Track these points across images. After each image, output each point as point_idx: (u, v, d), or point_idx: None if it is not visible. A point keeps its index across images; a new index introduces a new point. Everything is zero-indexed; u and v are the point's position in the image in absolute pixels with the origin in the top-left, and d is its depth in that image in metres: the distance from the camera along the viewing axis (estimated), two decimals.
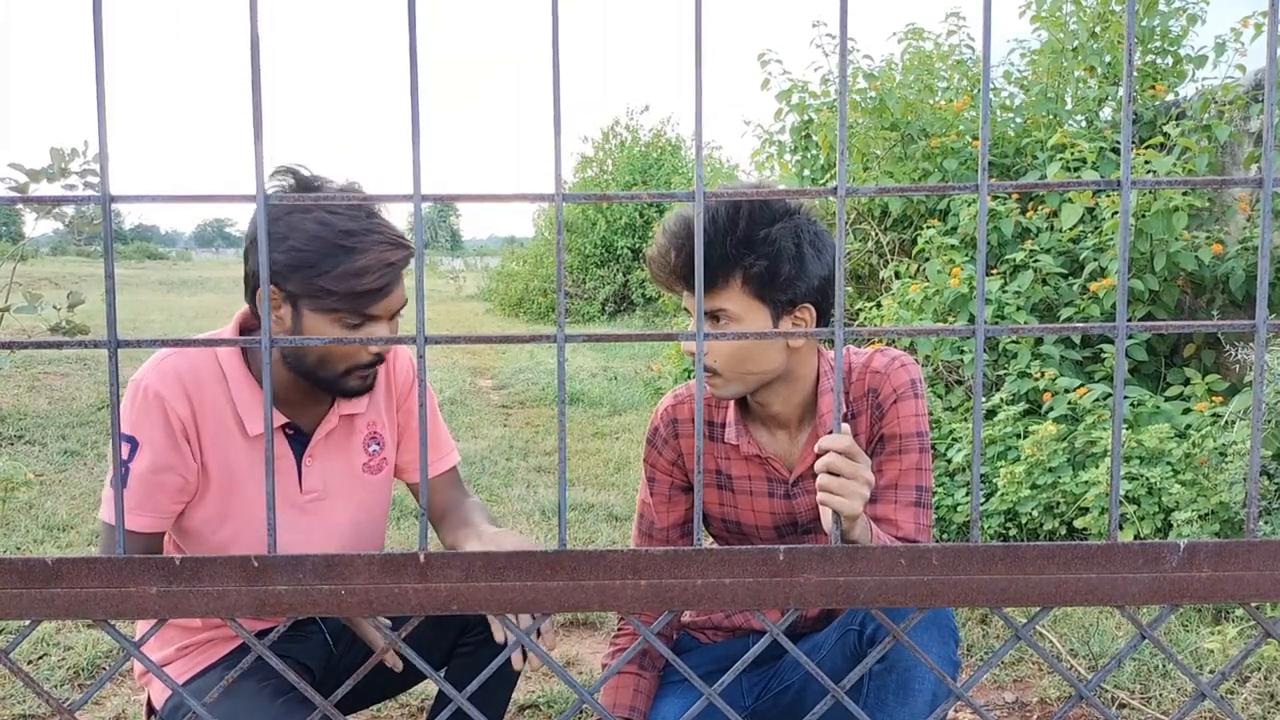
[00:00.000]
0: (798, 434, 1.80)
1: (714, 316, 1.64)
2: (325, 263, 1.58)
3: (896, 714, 1.60)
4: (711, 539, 1.92)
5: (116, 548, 1.55)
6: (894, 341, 4.24)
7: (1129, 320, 0.78)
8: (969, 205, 5.35)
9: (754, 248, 1.60)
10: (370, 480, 1.86)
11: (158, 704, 1.77)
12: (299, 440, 1.78)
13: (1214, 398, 4.14)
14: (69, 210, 6.72)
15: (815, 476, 1.77)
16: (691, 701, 1.79)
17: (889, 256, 6.10)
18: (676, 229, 1.65)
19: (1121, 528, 3.62)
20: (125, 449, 1.65)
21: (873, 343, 3.20)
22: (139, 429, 1.64)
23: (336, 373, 1.68)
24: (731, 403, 1.80)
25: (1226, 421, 3.88)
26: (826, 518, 1.42)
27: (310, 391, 1.76)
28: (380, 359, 1.71)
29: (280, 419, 1.73)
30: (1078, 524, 3.75)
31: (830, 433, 1.73)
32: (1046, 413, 4.31)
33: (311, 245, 1.58)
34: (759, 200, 1.61)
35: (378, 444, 1.87)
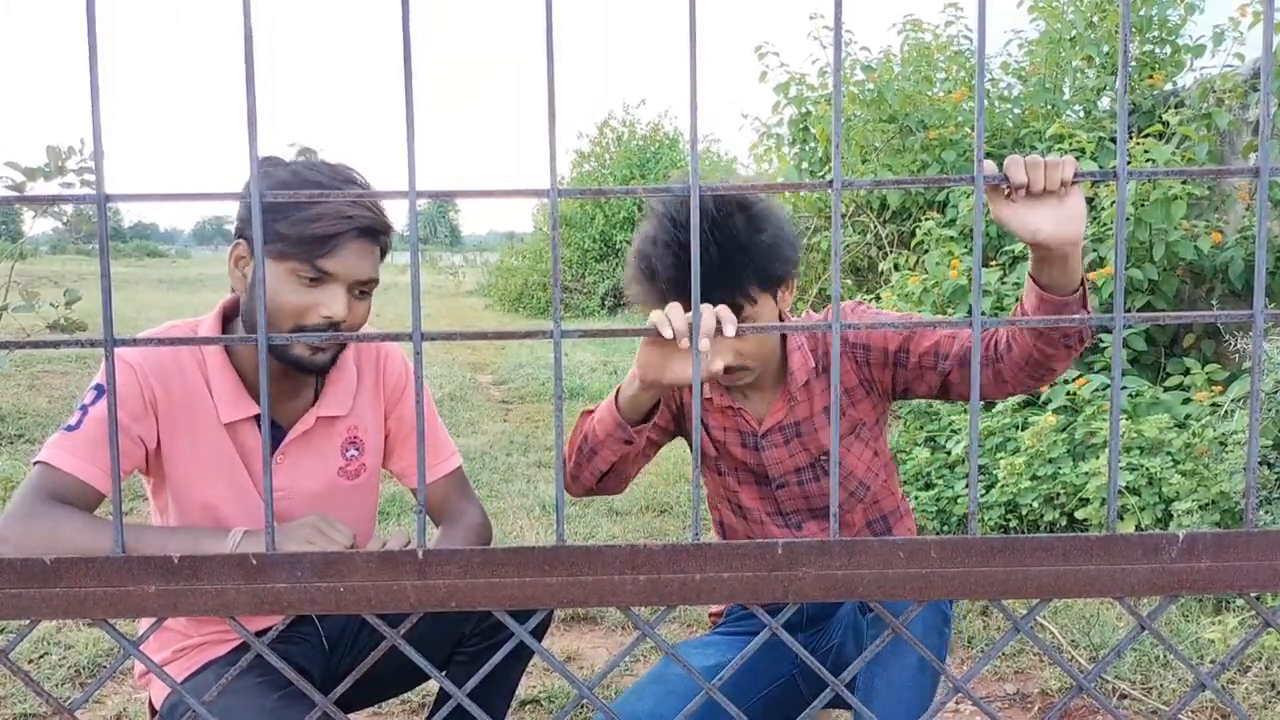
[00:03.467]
0: (769, 393, 1.87)
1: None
2: (284, 209, 1.59)
3: (890, 665, 1.67)
4: (714, 474, 1.96)
5: (48, 490, 1.52)
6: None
7: (1127, 310, 0.77)
8: (967, 197, 5.35)
9: (761, 255, 1.68)
10: (345, 486, 1.83)
11: (158, 705, 1.77)
12: (273, 435, 1.76)
13: (1214, 387, 4.14)
14: (67, 208, 6.72)
15: (782, 430, 1.85)
16: (729, 659, 1.84)
17: (888, 249, 6.10)
18: (679, 276, 1.65)
19: (1122, 518, 3.62)
20: (90, 395, 1.63)
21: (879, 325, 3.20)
22: (109, 383, 1.60)
23: (284, 333, 1.65)
24: None
25: (1226, 411, 3.88)
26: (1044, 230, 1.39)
27: (289, 385, 1.74)
28: (335, 329, 1.64)
29: (253, 409, 1.71)
30: (1078, 515, 3.75)
31: (793, 395, 1.84)
32: (1046, 404, 4.30)
33: (279, 189, 1.60)
34: (734, 206, 1.67)
35: (356, 449, 1.83)
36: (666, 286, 1.65)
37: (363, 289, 1.66)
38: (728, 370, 1.73)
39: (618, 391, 1.68)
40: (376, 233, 1.65)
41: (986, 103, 5.98)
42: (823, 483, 1.87)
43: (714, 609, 2.04)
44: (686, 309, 1.65)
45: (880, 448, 1.91)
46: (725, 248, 1.64)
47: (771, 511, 1.90)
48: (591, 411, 1.76)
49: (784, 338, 1.84)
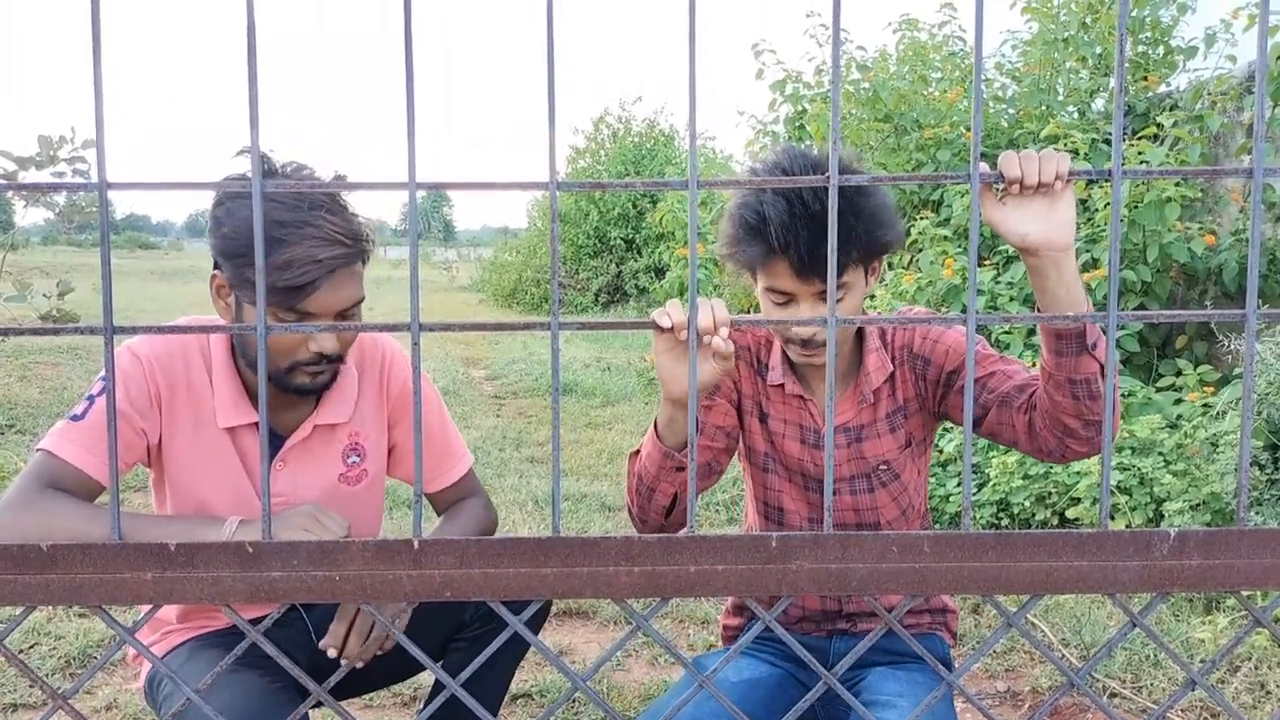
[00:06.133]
0: (838, 389, 1.78)
1: (823, 294, 1.61)
2: (251, 254, 1.51)
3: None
4: (760, 471, 1.86)
5: (46, 478, 1.52)
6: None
7: (1120, 310, 0.77)
8: (962, 196, 5.36)
9: (866, 219, 1.61)
10: (346, 492, 1.81)
11: (142, 683, 1.78)
12: (273, 443, 1.75)
13: (1205, 388, 4.16)
14: (59, 199, 6.70)
15: (845, 432, 1.76)
16: (761, 675, 1.81)
17: None
18: (793, 224, 1.56)
19: (1113, 518, 3.63)
20: (97, 385, 1.63)
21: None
22: (108, 370, 1.56)
23: (280, 370, 1.62)
24: (777, 345, 1.78)
25: (1218, 412, 3.89)
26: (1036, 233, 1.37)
27: (289, 395, 1.72)
28: (328, 358, 1.63)
29: (253, 416, 1.70)
30: (1069, 514, 3.76)
31: (865, 396, 1.76)
32: None
33: (241, 233, 1.54)
34: (841, 168, 1.57)
35: (358, 455, 1.82)
36: (780, 234, 1.56)
37: (349, 312, 1.63)
38: (808, 343, 1.65)
39: (655, 424, 1.60)
40: (352, 259, 1.60)
41: (973, 108, 5.96)
42: (877, 494, 1.79)
43: (729, 621, 2.00)
44: (797, 263, 1.57)
45: (923, 466, 1.85)
46: (843, 221, 1.56)
47: (814, 519, 1.82)
48: (638, 452, 1.67)
49: (861, 336, 1.76)
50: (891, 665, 1.80)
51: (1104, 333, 1.52)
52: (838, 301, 1.62)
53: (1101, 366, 1.49)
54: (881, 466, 1.79)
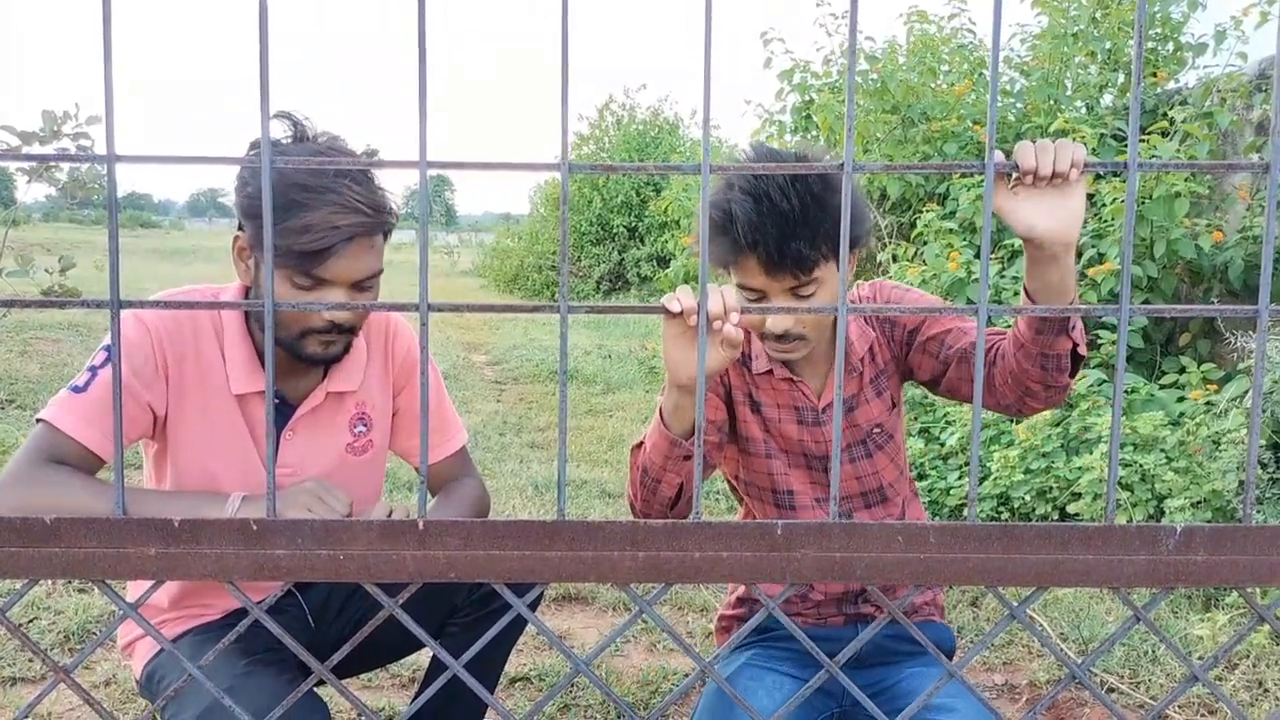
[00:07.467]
0: (822, 366, 1.82)
1: (799, 293, 1.65)
2: (273, 215, 1.53)
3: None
4: (764, 459, 1.86)
5: (47, 452, 1.50)
6: None
7: (1131, 305, 0.77)
8: (968, 190, 5.34)
9: (835, 217, 1.61)
10: (353, 462, 1.81)
11: (137, 675, 1.76)
12: (282, 411, 1.74)
13: (1209, 386, 4.15)
14: (61, 175, 6.67)
15: (843, 403, 1.79)
16: (790, 690, 1.79)
17: (887, 240, 6.10)
18: (760, 222, 1.59)
19: None
20: (100, 356, 1.60)
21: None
22: (115, 345, 1.56)
23: (291, 335, 1.62)
24: (755, 334, 1.79)
25: (1221, 410, 3.89)
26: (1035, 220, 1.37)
27: (301, 363, 1.72)
28: (340, 328, 1.63)
29: (264, 384, 1.68)
30: (1070, 509, 3.76)
31: (853, 366, 1.79)
32: None
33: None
34: (815, 173, 1.59)
35: (364, 425, 1.82)
36: (746, 231, 1.59)
37: (365, 284, 1.62)
38: (782, 338, 1.68)
39: (660, 412, 1.59)
40: (373, 229, 1.59)
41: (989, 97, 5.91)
42: (875, 458, 1.82)
43: (729, 612, 2.00)
44: (765, 260, 1.60)
45: (902, 425, 1.90)
46: (804, 200, 1.58)
47: (821, 498, 1.83)
48: (641, 444, 1.67)
49: None
50: (924, 663, 1.81)
51: (1110, 329, 1.51)
52: (810, 296, 1.65)
53: (1075, 345, 1.53)
54: (875, 430, 1.83)
